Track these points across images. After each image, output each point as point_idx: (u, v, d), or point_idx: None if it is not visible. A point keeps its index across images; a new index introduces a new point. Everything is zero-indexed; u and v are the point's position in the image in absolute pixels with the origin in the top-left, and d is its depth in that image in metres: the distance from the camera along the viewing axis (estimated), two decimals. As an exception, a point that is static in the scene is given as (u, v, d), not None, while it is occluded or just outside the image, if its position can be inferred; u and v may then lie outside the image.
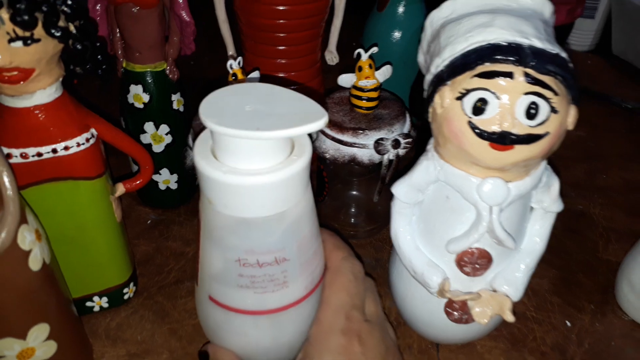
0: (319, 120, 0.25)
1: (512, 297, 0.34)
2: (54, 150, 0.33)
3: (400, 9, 0.49)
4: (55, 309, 0.32)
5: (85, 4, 0.35)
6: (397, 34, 0.50)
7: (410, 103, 0.50)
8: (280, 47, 0.49)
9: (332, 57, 0.53)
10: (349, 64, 0.43)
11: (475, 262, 0.33)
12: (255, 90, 0.29)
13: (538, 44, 0.28)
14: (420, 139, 0.39)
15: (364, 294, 0.35)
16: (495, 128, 0.28)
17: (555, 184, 0.33)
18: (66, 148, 0.34)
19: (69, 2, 0.31)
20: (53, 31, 0.30)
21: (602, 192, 0.57)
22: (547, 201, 0.34)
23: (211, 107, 0.27)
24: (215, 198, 0.28)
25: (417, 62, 0.37)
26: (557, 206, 0.34)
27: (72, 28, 0.31)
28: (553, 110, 0.28)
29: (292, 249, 0.30)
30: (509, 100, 0.28)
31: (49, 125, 0.33)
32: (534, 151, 0.28)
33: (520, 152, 0.28)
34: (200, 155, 0.27)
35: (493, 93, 0.28)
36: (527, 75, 0.27)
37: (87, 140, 0.35)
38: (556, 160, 0.61)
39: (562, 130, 0.29)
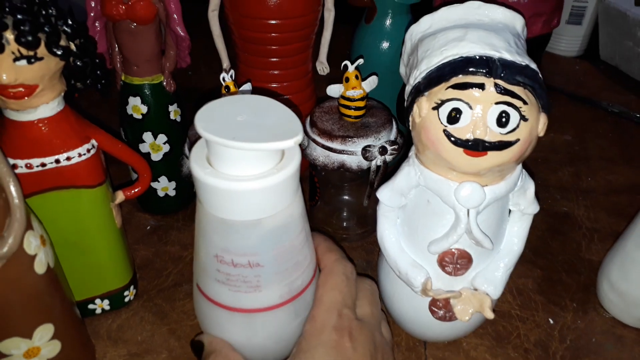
0: (291, 139, 0.27)
1: (492, 295, 0.35)
2: (57, 161, 0.35)
3: (387, 21, 0.51)
4: (59, 310, 0.34)
5: (85, 22, 0.37)
6: (384, 45, 0.52)
7: (397, 111, 0.52)
8: (273, 59, 0.51)
9: (322, 67, 0.55)
10: (340, 74, 0.44)
11: (455, 262, 0.34)
12: (248, 101, 0.31)
13: (508, 56, 0.30)
14: (408, 145, 0.41)
15: (355, 293, 0.37)
16: (469, 136, 0.30)
17: (530, 188, 0.35)
18: (68, 158, 0.36)
19: (70, 22, 0.33)
20: (55, 50, 0.32)
21: (586, 194, 0.59)
22: (524, 204, 0.35)
23: (206, 114, 0.29)
24: (201, 197, 0.30)
25: (402, 73, 0.39)
26: (533, 208, 0.36)
27: (72, 46, 0.33)
28: (523, 118, 0.30)
29: (267, 256, 0.31)
30: (481, 109, 0.29)
31: (51, 137, 0.35)
32: (505, 157, 0.30)
33: (493, 158, 0.30)
34: (194, 157, 0.30)
35: (466, 103, 0.30)
36: (497, 86, 0.29)
37: (88, 150, 0.36)
38: (543, 163, 0.63)
39: (533, 137, 0.31)
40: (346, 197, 0.53)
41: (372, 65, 0.51)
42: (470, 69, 0.30)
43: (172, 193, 0.52)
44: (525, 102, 0.30)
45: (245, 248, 0.31)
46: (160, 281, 0.47)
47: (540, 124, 0.31)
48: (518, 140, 0.30)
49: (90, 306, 0.42)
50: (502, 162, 0.31)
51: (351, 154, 0.44)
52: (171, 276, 0.48)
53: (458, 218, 0.33)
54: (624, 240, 0.44)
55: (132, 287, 0.44)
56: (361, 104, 0.44)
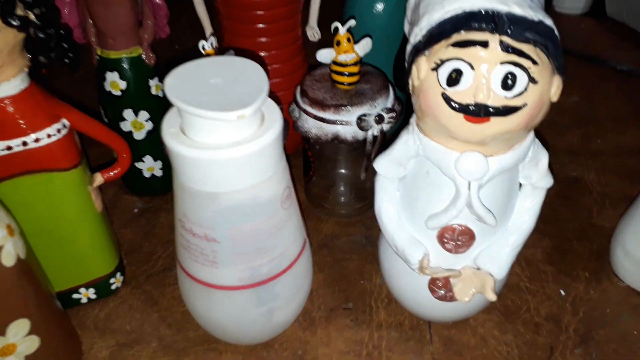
0: (232, 111, 0.26)
1: (496, 275, 0.33)
2: (24, 143, 0.33)
3: (381, -20, 0.48)
4: (34, 304, 0.32)
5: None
6: (379, 6, 0.49)
7: (394, 76, 0.49)
8: (259, 25, 0.47)
9: (313, 32, 0.52)
10: (332, 39, 0.41)
11: (456, 239, 0.32)
12: (231, 64, 0.30)
13: (518, 10, 0.26)
14: (407, 113, 0.39)
15: None
16: (470, 100, 0.27)
17: (543, 159, 0.32)
18: (37, 140, 0.33)
19: (27, -11, 0.30)
20: (10, 20, 0.29)
21: (596, 157, 0.56)
22: (535, 177, 0.32)
23: (182, 74, 0.29)
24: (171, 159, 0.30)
25: (400, 34, 0.36)
26: (546, 182, 0.33)
27: (31, 16, 0.30)
28: (532, 80, 0.27)
29: (224, 234, 0.30)
30: (484, 70, 0.26)
31: (17, 117, 0.32)
32: (511, 124, 0.27)
33: (496, 124, 0.27)
34: (167, 117, 0.30)
35: (468, 63, 0.27)
36: (503, 43, 0.26)
37: (59, 130, 0.34)
38: (550, 127, 0.60)
39: (543, 101, 0.28)
40: (342, 171, 0.50)
41: (365, 28, 0.48)
42: (474, 24, 0.26)
43: (158, 173, 0.50)
44: (535, 62, 0.26)
45: (201, 219, 0.30)
46: (149, 266, 0.45)
47: (553, 87, 0.28)
48: (525, 105, 0.27)
49: (75, 296, 0.40)
50: (507, 129, 0.27)
51: (345, 124, 0.41)
52: (160, 260, 0.45)
53: (458, 191, 0.30)
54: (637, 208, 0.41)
55: (118, 274, 0.42)
56: (354, 69, 0.41)
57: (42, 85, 0.34)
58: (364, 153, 0.43)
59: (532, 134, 0.31)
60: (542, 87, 0.27)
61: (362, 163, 0.44)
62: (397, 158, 0.33)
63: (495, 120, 0.27)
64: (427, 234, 0.33)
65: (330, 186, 0.51)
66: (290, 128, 0.43)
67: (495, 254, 0.33)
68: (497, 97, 0.27)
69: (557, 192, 0.51)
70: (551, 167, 0.33)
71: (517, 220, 0.34)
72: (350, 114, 0.41)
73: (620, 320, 0.40)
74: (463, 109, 0.27)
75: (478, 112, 0.27)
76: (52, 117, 0.33)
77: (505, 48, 0.26)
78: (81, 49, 0.37)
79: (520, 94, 0.27)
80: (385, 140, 0.42)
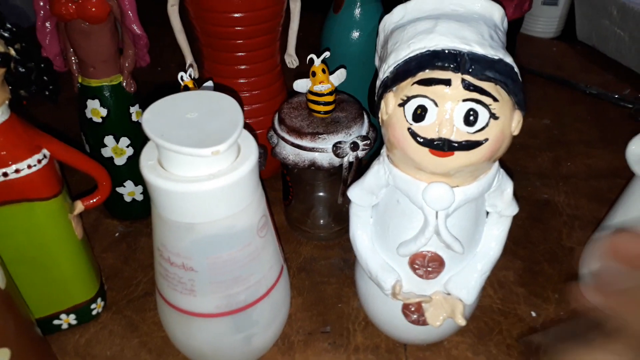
0: (207, 147, 0.27)
1: (465, 300, 0.34)
2: (5, 174, 0.33)
3: (357, 10, 0.49)
4: (14, 333, 0.32)
5: (25, 26, 0.35)
6: (355, 35, 0.50)
7: (369, 103, 0.51)
8: (239, 54, 0.49)
9: (291, 60, 0.53)
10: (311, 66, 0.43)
11: (426, 265, 0.33)
12: (207, 98, 0.31)
13: (479, 49, 0.28)
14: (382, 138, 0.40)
15: None
16: (434, 135, 0.28)
17: (508, 188, 0.33)
18: (17, 171, 0.33)
19: (8, 26, 0.31)
20: (-8, 57, 0.30)
21: (566, 180, 0.58)
22: (501, 205, 0.34)
23: (159, 108, 0.30)
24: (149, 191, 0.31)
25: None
26: (512, 210, 0.34)
27: (12, 52, 0.31)
28: (493, 116, 0.28)
29: (201, 263, 0.31)
30: (447, 107, 0.28)
31: (-2, 149, 0.33)
32: (474, 157, 0.29)
33: (460, 158, 0.29)
34: (146, 149, 0.31)
35: (432, 100, 0.28)
36: (465, 81, 0.28)
37: (39, 161, 0.34)
38: (522, 149, 0.62)
39: (505, 135, 0.29)
40: (321, 194, 0.51)
41: (342, 56, 0.50)
42: (437, 64, 0.28)
43: (139, 198, 0.50)
44: (495, 99, 0.28)
45: (178, 249, 0.31)
46: (129, 291, 0.45)
47: (513, 122, 0.29)
48: (487, 139, 0.28)
49: (56, 322, 0.41)
50: (470, 162, 0.29)
51: (322, 152, 0.42)
52: (141, 285, 0.46)
53: (426, 220, 0.31)
54: (604, 229, 0.43)
55: (99, 300, 0.42)
56: (330, 98, 0.43)
57: (22, 114, 0.35)
58: (341, 178, 0.44)
59: (496, 165, 0.32)
60: (503, 123, 0.29)
61: (339, 187, 0.45)
62: (369, 187, 0.34)
63: (458, 154, 0.28)
64: (399, 261, 0.34)
65: (309, 209, 0.52)
66: (268, 154, 0.44)
67: (464, 280, 0.34)
68: (460, 132, 0.28)
69: (528, 214, 0.53)
70: (522, 189, 0.34)
71: (484, 247, 0.35)
72: (326, 142, 0.42)
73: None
74: (428, 143, 0.28)
75: (442, 147, 0.28)
76: (32, 148, 0.34)
77: (467, 86, 0.28)
78: (61, 78, 0.37)
79: (482, 129, 0.28)
80: (361, 166, 0.43)
